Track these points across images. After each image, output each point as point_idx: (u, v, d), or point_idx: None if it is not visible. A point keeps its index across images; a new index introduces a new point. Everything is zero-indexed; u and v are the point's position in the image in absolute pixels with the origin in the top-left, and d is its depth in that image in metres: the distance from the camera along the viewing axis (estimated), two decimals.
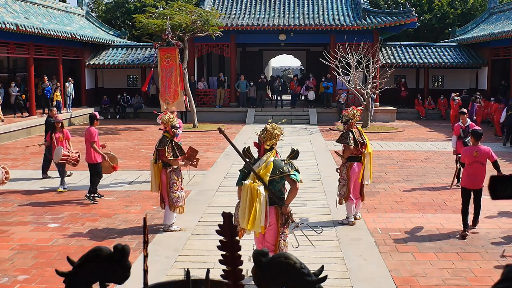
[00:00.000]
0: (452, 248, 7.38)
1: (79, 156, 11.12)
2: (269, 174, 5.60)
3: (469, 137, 9.94)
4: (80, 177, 12.32)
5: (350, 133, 8.44)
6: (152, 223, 8.53)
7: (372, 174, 8.97)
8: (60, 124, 11.21)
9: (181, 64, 12.45)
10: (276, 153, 5.87)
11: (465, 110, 11.56)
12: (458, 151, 10.52)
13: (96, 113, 10.48)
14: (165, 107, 11.56)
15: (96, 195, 10.07)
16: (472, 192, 8.06)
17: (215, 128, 21.87)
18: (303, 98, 27.74)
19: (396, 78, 26.78)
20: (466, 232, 7.92)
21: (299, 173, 5.78)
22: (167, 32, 13.10)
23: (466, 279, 6.30)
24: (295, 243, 6.09)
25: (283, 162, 5.75)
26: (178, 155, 8.09)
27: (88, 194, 9.97)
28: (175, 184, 8.08)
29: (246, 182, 5.54)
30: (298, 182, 5.71)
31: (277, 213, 5.75)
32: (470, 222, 8.14)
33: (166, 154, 7.94)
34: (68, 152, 10.92)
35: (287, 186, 5.86)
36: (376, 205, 9.69)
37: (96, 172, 10.07)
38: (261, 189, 5.48)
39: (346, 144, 8.38)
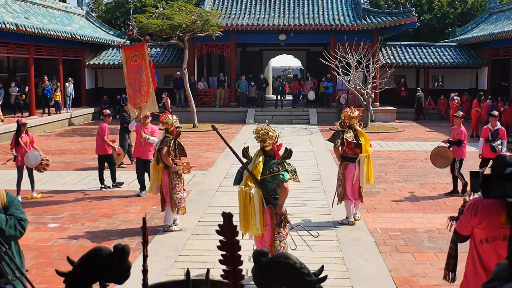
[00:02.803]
0: None
1: (48, 161, 10.57)
2: (260, 174, 5.72)
3: (498, 141, 10.26)
4: (79, 177, 12.33)
5: (340, 133, 8.46)
6: (152, 223, 8.53)
7: (373, 176, 8.67)
8: (25, 128, 10.44)
9: (151, 62, 10.80)
10: (267, 154, 5.88)
11: (496, 113, 10.93)
12: (485, 154, 10.35)
13: (106, 111, 11.77)
14: (136, 113, 10.33)
15: (117, 183, 11.23)
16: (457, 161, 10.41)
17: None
18: (300, 98, 27.66)
19: (396, 78, 26.80)
20: (452, 194, 10.47)
21: (289, 172, 5.79)
22: (131, 28, 11.22)
23: None
24: (293, 244, 6.10)
25: (275, 162, 5.78)
26: (177, 156, 8.08)
27: (113, 183, 11.21)
28: (177, 185, 8.08)
29: (238, 188, 5.75)
30: (286, 182, 5.72)
31: (271, 213, 5.80)
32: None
33: (168, 152, 7.95)
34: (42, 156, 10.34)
35: None
36: (376, 205, 9.69)
37: (110, 162, 11.16)
38: (253, 191, 5.62)
39: (333, 143, 8.46)
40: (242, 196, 5.72)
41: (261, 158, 5.80)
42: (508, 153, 3.58)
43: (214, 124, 5.95)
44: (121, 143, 13.20)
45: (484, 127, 10.80)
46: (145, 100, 10.20)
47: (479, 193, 3.60)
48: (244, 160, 5.95)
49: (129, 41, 11.03)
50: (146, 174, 10.25)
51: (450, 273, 3.82)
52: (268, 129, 5.91)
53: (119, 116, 14.35)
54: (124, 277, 1.72)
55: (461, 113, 11.40)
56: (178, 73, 24.25)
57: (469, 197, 3.79)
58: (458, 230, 3.55)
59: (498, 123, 10.63)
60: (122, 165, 13.04)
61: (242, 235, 5.84)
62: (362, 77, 24.36)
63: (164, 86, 28.48)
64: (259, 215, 5.64)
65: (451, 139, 10.79)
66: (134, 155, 10.90)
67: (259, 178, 5.71)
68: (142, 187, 10.44)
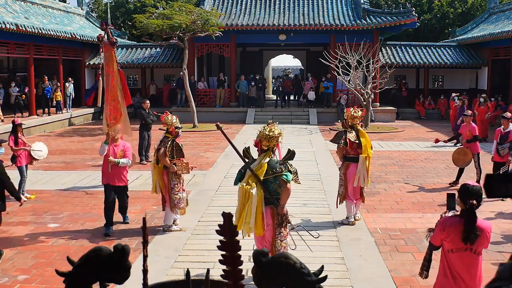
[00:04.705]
0: None
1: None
2: (263, 174, 5.72)
3: (505, 144, 10.07)
4: (79, 177, 12.33)
5: (343, 133, 8.46)
6: (152, 223, 8.53)
7: (369, 178, 8.62)
8: (21, 128, 10.43)
9: (121, 70, 8.36)
10: (274, 153, 5.90)
11: (509, 115, 10.65)
12: (494, 158, 10.23)
13: None
14: (106, 131, 8.28)
15: None
16: None
17: (215, 128, 21.85)
18: (302, 98, 27.60)
19: (396, 78, 26.82)
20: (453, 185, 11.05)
21: (292, 173, 5.81)
22: (104, 22, 8.67)
23: None
24: (293, 245, 6.11)
25: (278, 163, 5.79)
26: (175, 156, 8.06)
27: None
28: (176, 185, 8.07)
29: (239, 185, 5.73)
30: (289, 183, 5.72)
31: (272, 213, 5.81)
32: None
33: (165, 153, 7.94)
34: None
35: None
36: (376, 205, 9.69)
37: None
38: (253, 191, 5.61)
39: (336, 143, 8.46)
40: (241, 193, 5.70)
41: (268, 159, 5.79)
42: (471, 182, 4.21)
43: (219, 123, 5.91)
44: (140, 141, 13.97)
45: (497, 129, 10.57)
46: (114, 117, 8.15)
47: (453, 211, 4.35)
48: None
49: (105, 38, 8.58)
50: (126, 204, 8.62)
51: (424, 271, 4.64)
52: (278, 128, 5.99)
53: (137, 113, 14.79)
54: (124, 277, 1.72)
55: (470, 111, 12.15)
56: (182, 73, 24.26)
57: (445, 213, 4.46)
58: (431, 241, 4.37)
59: (511, 125, 10.30)
60: (142, 162, 13.66)
61: (243, 236, 5.84)
62: (362, 77, 24.36)
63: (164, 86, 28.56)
64: (255, 215, 5.64)
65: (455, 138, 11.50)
66: (103, 181, 8.42)
67: (262, 178, 5.70)
68: (109, 222, 8.16)
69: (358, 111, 8.58)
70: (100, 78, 8.49)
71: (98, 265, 1.70)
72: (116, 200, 8.35)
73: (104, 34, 8.20)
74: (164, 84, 28.26)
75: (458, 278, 4.14)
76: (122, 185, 8.28)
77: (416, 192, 10.75)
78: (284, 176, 5.71)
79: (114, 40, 8.41)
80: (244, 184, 5.72)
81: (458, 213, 4.21)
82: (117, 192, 8.25)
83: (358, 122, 8.54)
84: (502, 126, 10.41)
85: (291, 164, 5.91)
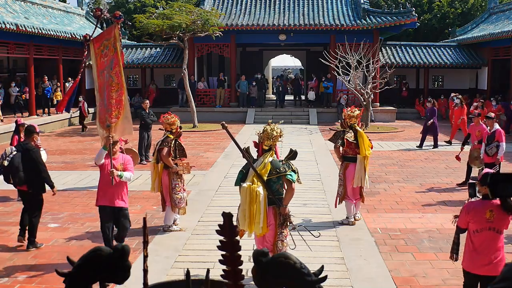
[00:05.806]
0: None
1: None
2: (267, 174, 5.68)
3: (492, 144, 10.05)
4: (79, 177, 12.34)
5: (341, 133, 8.47)
6: (152, 223, 8.53)
7: (368, 178, 8.58)
8: (24, 128, 9.88)
9: (123, 53, 6.90)
10: (275, 153, 5.91)
11: (492, 115, 10.65)
12: (485, 159, 10.14)
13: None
14: (104, 134, 6.68)
15: None
16: None
17: (215, 128, 21.98)
18: (302, 97, 27.68)
19: (396, 78, 26.84)
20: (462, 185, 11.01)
21: (295, 173, 5.80)
22: (99, 6, 7.61)
23: None
24: (292, 244, 6.10)
25: (281, 163, 5.78)
26: (178, 156, 8.06)
27: None
28: (177, 185, 8.06)
29: (245, 185, 5.63)
30: (294, 183, 5.72)
31: (275, 213, 5.80)
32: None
33: (169, 153, 7.92)
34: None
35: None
36: (376, 205, 9.69)
37: None
38: (260, 189, 5.55)
39: (334, 143, 8.48)
40: (248, 193, 5.52)
41: (271, 159, 5.78)
42: (490, 170, 4.93)
43: (224, 122, 5.90)
44: (140, 141, 14.25)
45: (485, 130, 10.53)
46: (116, 113, 6.62)
47: (474, 198, 4.92)
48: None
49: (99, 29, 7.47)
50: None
51: (454, 254, 5.15)
52: (277, 128, 5.96)
53: (137, 113, 14.96)
54: (124, 277, 1.72)
55: (476, 112, 12.01)
56: (182, 73, 24.28)
57: (468, 200, 5.03)
58: (458, 224, 4.98)
59: (496, 125, 10.33)
60: (142, 162, 13.70)
61: (249, 235, 5.81)
62: (362, 77, 24.35)
63: (164, 86, 28.54)
64: (263, 214, 5.60)
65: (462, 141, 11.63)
66: (98, 202, 6.89)
67: (265, 178, 5.66)
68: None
69: (355, 110, 8.59)
70: (78, 78, 8.08)
71: (98, 265, 1.70)
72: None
73: (102, 21, 7.07)
74: (150, 84, 27.80)
75: (483, 252, 4.73)
76: (122, 207, 6.84)
77: (416, 192, 10.75)
78: (289, 176, 5.70)
79: (119, 15, 6.96)
80: (250, 183, 5.60)
81: (480, 197, 4.80)
82: (116, 216, 6.82)
83: (356, 122, 8.55)
84: (488, 127, 10.36)
85: (293, 164, 5.91)
